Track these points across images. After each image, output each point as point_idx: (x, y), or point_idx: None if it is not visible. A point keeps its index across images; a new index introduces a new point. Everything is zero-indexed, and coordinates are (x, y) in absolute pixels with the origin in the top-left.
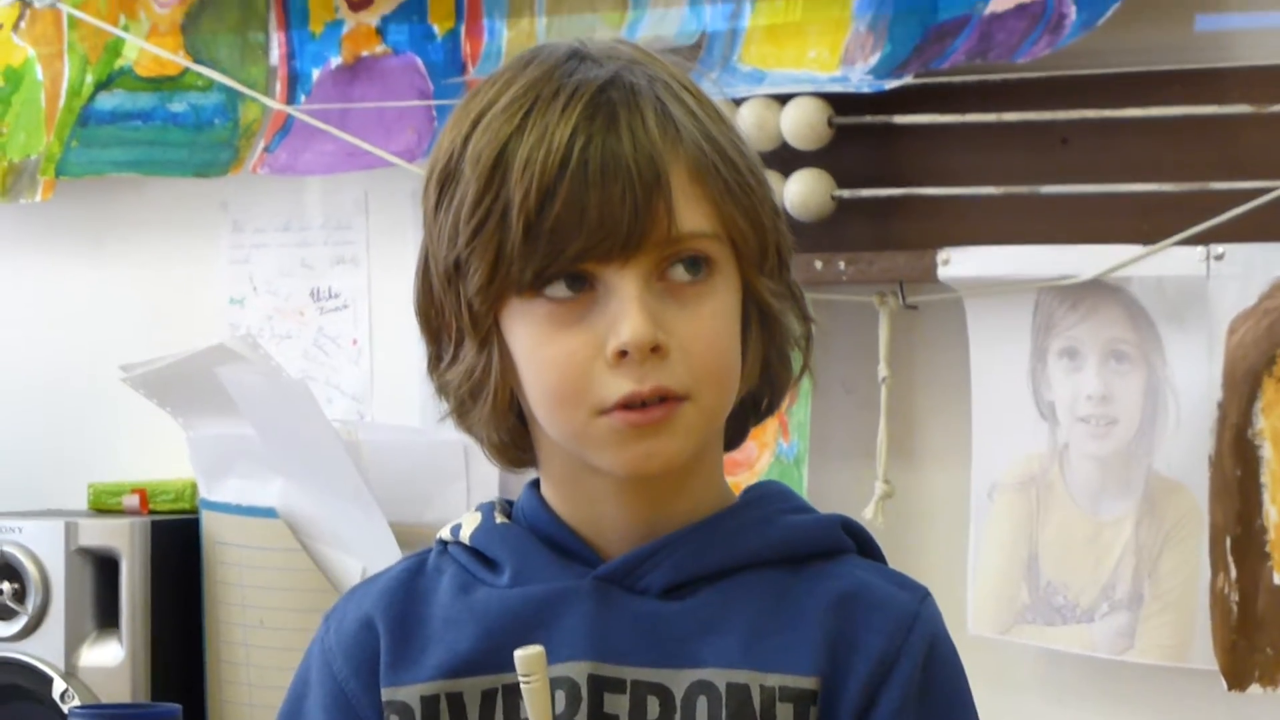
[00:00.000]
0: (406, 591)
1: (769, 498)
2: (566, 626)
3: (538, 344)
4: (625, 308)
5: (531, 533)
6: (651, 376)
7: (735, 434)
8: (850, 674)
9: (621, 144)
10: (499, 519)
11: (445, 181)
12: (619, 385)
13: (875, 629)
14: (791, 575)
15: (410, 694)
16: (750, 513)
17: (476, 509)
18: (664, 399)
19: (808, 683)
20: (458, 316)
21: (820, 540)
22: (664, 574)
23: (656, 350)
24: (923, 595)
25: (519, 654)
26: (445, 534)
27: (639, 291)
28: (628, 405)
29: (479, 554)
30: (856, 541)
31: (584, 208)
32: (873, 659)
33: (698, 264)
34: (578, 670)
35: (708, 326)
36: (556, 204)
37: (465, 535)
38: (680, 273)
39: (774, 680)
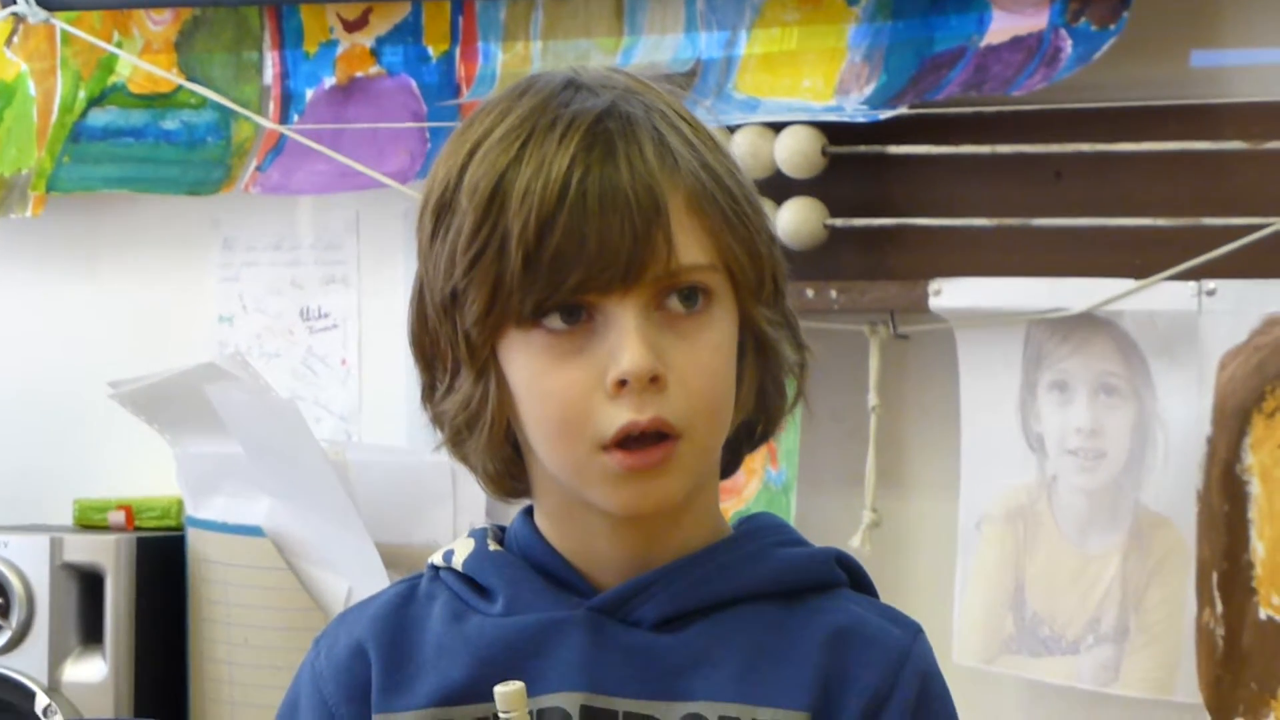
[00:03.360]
0: (399, 618)
1: (763, 530)
2: (559, 657)
3: (537, 376)
4: (625, 338)
5: (525, 561)
6: (650, 406)
7: (729, 462)
8: (842, 709)
9: (620, 174)
10: (492, 546)
11: (441, 211)
12: (618, 415)
13: (868, 664)
14: (785, 609)
15: None
16: (744, 546)
17: (469, 535)
18: (661, 436)
19: (799, 717)
20: (454, 346)
21: (814, 574)
22: (657, 606)
23: (655, 381)
24: (915, 631)
25: (499, 690)
26: (437, 559)
27: (638, 322)
28: (626, 439)
29: (471, 581)
30: (850, 576)
31: (583, 238)
32: (865, 695)
33: (695, 295)
34: (570, 701)
35: (706, 359)
36: (556, 234)
37: (458, 561)
38: (678, 304)
39: (766, 714)
